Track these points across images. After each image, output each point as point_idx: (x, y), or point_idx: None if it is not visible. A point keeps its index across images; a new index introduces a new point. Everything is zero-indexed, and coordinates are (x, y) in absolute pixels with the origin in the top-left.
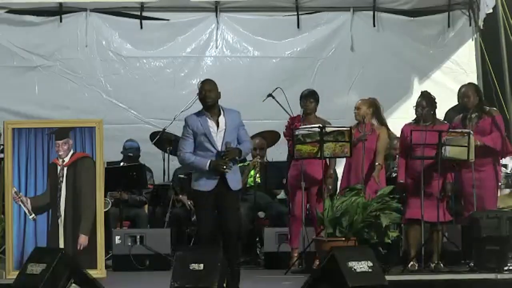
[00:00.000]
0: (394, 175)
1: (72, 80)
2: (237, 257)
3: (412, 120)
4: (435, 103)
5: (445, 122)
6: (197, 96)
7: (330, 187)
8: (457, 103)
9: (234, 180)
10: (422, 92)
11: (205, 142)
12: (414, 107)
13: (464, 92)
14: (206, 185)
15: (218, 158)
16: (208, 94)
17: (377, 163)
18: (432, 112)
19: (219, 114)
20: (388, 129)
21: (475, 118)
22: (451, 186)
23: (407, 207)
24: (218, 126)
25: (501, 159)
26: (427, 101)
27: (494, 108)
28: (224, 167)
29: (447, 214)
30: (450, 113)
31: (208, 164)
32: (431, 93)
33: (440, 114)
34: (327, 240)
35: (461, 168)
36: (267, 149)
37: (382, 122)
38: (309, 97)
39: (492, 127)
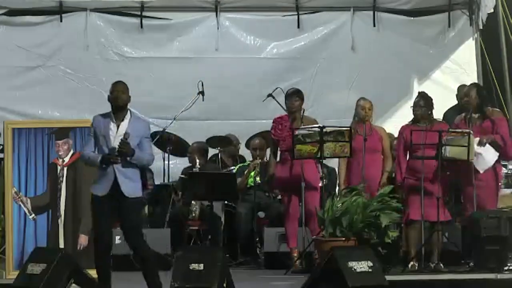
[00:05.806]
0: (393, 175)
1: (72, 80)
2: (151, 267)
3: (410, 121)
4: (433, 103)
5: (444, 121)
6: (197, 96)
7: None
8: (456, 102)
9: (128, 185)
10: (419, 93)
11: (103, 144)
12: (412, 107)
13: (466, 92)
14: (100, 189)
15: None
16: (120, 95)
17: (387, 170)
18: (429, 113)
19: (123, 119)
20: None
21: (477, 120)
22: (449, 185)
23: (409, 207)
24: (118, 130)
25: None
26: (424, 102)
27: (497, 110)
28: (117, 157)
29: (446, 212)
30: (449, 112)
31: (100, 158)
32: (430, 94)
33: (439, 114)
34: (327, 240)
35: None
36: (267, 149)
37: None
38: (294, 96)
39: (494, 131)
